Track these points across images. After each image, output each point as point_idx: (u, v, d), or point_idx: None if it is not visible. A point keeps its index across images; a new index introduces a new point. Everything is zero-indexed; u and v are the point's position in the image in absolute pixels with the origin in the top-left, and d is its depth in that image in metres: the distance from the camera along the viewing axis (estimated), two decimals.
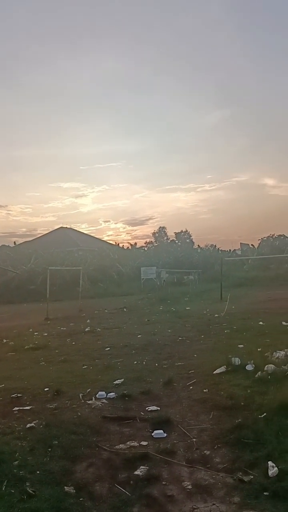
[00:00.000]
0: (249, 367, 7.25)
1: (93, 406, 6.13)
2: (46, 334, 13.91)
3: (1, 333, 14.04)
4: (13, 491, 3.78)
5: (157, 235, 78.35)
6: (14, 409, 6.06)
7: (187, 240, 74.41)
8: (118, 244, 63.60)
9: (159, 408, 5.98)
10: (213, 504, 3.59)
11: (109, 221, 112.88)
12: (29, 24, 78.37)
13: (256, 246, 53.95)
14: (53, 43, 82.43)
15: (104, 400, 6.39)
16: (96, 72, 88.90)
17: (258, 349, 8.57)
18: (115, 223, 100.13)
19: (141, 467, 4.25)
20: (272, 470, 3.91)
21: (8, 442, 4.86)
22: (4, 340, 12.70)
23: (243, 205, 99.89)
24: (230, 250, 58.94)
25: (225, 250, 59.40)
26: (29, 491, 3.75)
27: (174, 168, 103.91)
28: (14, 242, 58.35)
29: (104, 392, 6.66)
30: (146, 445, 4.81)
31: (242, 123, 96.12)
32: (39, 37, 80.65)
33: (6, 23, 73.93)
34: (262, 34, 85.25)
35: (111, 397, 6.52)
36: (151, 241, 75.79)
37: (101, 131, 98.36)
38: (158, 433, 5.08)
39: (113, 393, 6.66)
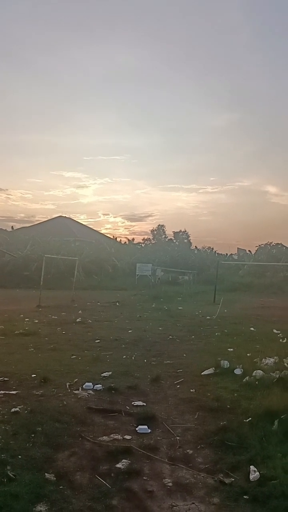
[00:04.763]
0: (237, 371, 7.27)
1: (79, 396, 6.12)
2: (37, 321, 13.87)
3: None
4: None
5: (155, 232, 78.25)
6: None
7: (185, 241, 74.37)
8: (116, 238, 63.50)
9: (145, 404, 5.98)
10: (192, 503, 3.59)
11: (108, 214, 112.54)
12: (44, 11, 77.77)
13: (253, 252, 54.00)
14: (66, 31, 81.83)
15: (90, 391, 6.39)
16: (108, 63, 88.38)
17: (248, 354, 8.58)
18: (114, 217, 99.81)
19: (123, 460, 4.24)
20: (254, 474, 3.91)
21: None
22: None
23: (244, 210, 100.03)
24: (226, 254, 59.07)
25: (221, 254, 59.45)
26: (10, 474, 3.74)
27: (177, 167, 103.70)
28: (12, 227, 58.11)
29: (91, 383, 6.66)
30: (130, 439, 4.81)
31: (250, 129, 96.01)
32: (53, 24, 79.88)
33: (21, 8, 73.29)
34: (278, 40, 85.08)
35: (97, 388, 6.52)
36: (149, 238, 75.74)
37: (108, 123, 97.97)
38: (143, 428, 5.08)
39: (100, 385, 6.65)
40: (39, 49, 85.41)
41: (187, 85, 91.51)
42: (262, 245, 53.94)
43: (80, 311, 16.81)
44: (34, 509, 3.37)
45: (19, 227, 58.98)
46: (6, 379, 6.73)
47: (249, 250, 55.98)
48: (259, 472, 3.93)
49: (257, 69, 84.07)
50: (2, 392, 6.07)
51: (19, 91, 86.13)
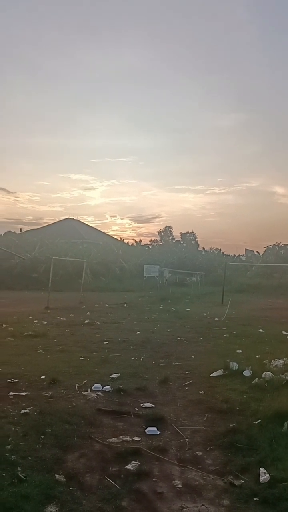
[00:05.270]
0: (246, 373, 7.24)
1: (88, 398, 6.14)
2: (45, 322, 13.94)
3: (1, 318, 14.06)
4: (4, 474, 3.80)
5: (162, 234, 78.31)
6: (9, 393, 6.09)
7: (192, 242, 74.34)
8: (123, 239, 63.57)
9: (153, 406, 5.99)
10: (202, 505, 3.59)
11: (115, 216, 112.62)
12: (51, 13, 78.17)
13: (261, 254, 53.80)
14: (73, 33, 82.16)
15: (99, 393, 6.40)
16: (114, 65, 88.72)
17: (257, 356, 8.56)
18: (121, 219, 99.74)
19: (133, 462, 4.25)
20: (264, 476, 3.90)
21: (1, 426, 4.89)
22: (4, 325, 12.74)
23: (251, 211, 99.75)
24: (234, 255, 59.03)
25: (229, 255, 59.40)
26: (20, 475, 3.76)
27: (184, 168, 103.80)
28: (20, 229, 58.48)
29: (100, 385, 6.68)
30: (139, 440, 4.81)
31: (257, 129, 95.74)
32: (59, 26, 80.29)
33: (28, 10, 73.87)
34: (285, 39, 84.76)
35: (106, 390, 6.53)
36: (156, 240, 75.82)
37: (114, 125, 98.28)
38: (152, 430, 5.08)
39: (109, 386, 6.67)
40: (45, 51, 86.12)
41: (193, 85, 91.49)
42: (270, 246, 53.78)
43: (88, 313, 16.85)
44: (44, 510, 3.38)
45: (27, 229, 59.31)
46: (16, 380, 6.77)
47: (257, 251, 55.87)
48: (269, 474, 3.91)
49: (264, 69, 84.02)
50: (12, 393, 6.10)
51: (26, 94, 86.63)
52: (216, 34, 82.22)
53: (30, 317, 14.94)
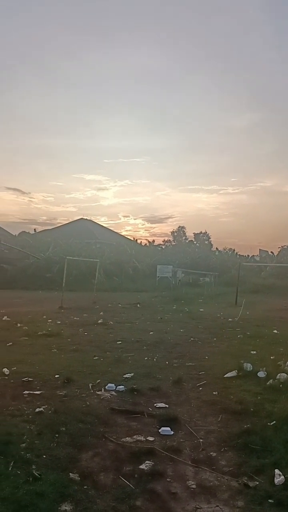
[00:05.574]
0: (261, 374, 7.18)
1: (102, 397, 6.16)
2: (59, 322, 14.03)
3: (16, 318, 14.21)
4: (19, 472, 3.84)
5: (175, 234, 78.29)
6: (24, 392, 6.15)
7: (206, 242, 74.16)
8: (136, 240, 63.70)
9: (167, 406, 5.98)
10: (217, 506, 3.57)
11: (128, 216, 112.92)
12: (64, 14, 78.62)
13: (275, 254, 53.36)
14: (86, 35, 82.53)
15: (113, 392, 6.42)
16: (127, 66, 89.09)
17: (271, 357, 8.48)
18: (135, 219, 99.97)
19: (147, 462, 4.25)
20: (279, 478, 3.86)
21: (16, 424, 4.94)
22: (18, 325, 12.86)
23: (266, 211, 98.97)
24: (248, 255, 58.65)
25: (243, 255, 59.01)
26: (35, 474, 3.80)
27: (198, 168, 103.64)
28: (34, 230, 59.08)
29: (113, 385, 6.69)
30: (153, 440, 4.81)
31: (272, 128, 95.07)
32: (73, 28, 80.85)
33: (41, 12, 74.48)
34: None
35: (120, 390, 6.55)
36: (169, 240, 75.78)
37: (128, 125, 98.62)
38: (165, 430, 5.07)
39: (123, 386, 6.68)
40: (59, 53, 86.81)
41: (207, 85, 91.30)
42: (285, 246, 53.28)
43: (101, 313, 16.91)
44: (59, 508, 3.41)
45: (41, 229, 59.88)
46: (31, 379, 6.83)
47: (271, 252, 55.47)
48: (284, 476, 3.87)
49: (278, 68, 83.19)
50: (27, 392, 6.16)
51: (40, 95, 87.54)
52: (230, 34, 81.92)
53: (44, 317, 15.05)
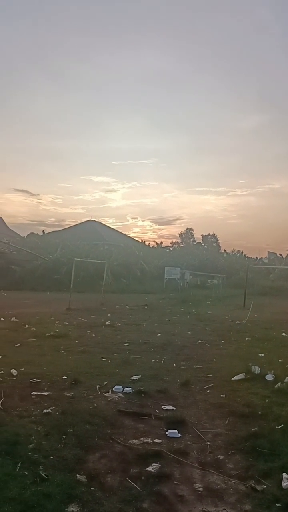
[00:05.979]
0: (269, 377, 7.15)
1: (109, 399, 6.17)
2: (67, 323, 14.07)
3: (24, 319, 14.28)
4: (26, 473, 3.86)
5: (183, 236, 78.23)
6: (32, 393, 6.18)
7: (214, 244, 74.00)
8: (144, 241, 63.77)
9: (174, 408, 5.96)
10: (224, 509, 3.56)
11: (136, 218, 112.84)
12: (73, 16, 79.02)
13: (284, 256, 53.04)
14: (95, 36, 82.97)
15: (120, 394, 6.42)
16: (136, 68, 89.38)
17: (279, 360, 8.43)
18: (143, 221, 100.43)
19: (153, 464, 4.25)
20: (287, 482, 3.83)
21: (24, 425, 4.96)
22: (26, 326, 12.92)
23: (274, 213, 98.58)
24: (256, 257, 58.33)
25: (251, 257, 58.74)
26: (43, 474, 3.81)
27: (206, 170, 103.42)
28: (43, 231, 59.42)
29: (121, 386, 6.70)
30: (160, 443, 4.80)
31: (281, 130, 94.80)
32: (81, 30, 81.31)
33: (51, 14, 74.96)
34: None
35: (127, 391, 6.55)
36: (177, 242, 75.70)
37: (136, 127, 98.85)
38: (173, 432, 5.06)
39: (130, 388, 6.68)
40: (68, 55, 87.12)
41: (216, 86, 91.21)
42: None
43: (109, 314, 16.94)
44: (66, 509, 3.42)
45: (49, 231, 60.21)
46: (38, 380, 6.85)
47: (280, 254, 55.10)
48: None
49: (287, 69, 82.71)
50: (35, 393, 6.19)
51: (49, 97, 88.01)
52: (238, 35, 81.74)
53: (52, 318, 15.11)
